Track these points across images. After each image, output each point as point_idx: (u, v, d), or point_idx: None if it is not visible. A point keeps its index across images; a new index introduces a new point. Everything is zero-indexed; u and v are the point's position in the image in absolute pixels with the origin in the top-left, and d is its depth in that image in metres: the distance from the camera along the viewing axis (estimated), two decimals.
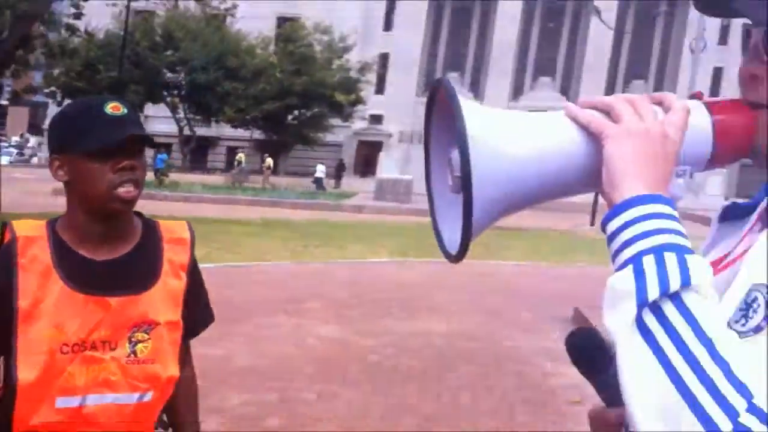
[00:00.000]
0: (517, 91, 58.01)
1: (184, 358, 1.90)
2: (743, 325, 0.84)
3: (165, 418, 1.90)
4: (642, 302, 0.78)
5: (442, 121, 0.95)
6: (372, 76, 47.67)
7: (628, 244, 0.82)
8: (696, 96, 0.97)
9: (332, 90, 43.47)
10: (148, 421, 1.79)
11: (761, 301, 0.83)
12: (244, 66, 42.57)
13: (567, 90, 57.59)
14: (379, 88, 55.33)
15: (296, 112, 46.04)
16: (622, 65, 55.16)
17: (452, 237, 0.93)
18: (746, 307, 0.85)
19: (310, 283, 9.90)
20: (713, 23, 46.32)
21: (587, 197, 20.21)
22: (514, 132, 0.89)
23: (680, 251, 0.80)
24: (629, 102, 0.90)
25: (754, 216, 0.98)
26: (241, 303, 8.14)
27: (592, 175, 0.89)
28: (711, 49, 41.06)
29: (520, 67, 58.26)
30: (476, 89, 58.36)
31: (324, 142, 48.91)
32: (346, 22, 49.68)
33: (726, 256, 0.95)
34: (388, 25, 56.28)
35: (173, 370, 1.77)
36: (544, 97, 57.42)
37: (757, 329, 0.83)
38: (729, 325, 0.85)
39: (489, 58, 57.48)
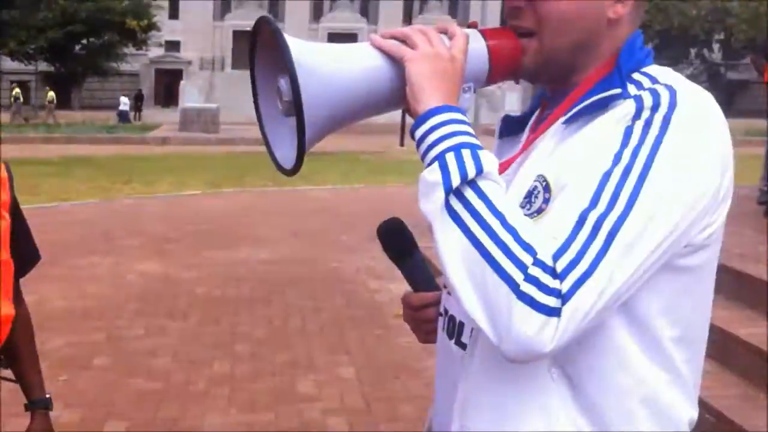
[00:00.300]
0: (317, 13, 57.58)
1: (18, 296, 1.88)
2: (528, 209, 1.06)
3: (2, 357, 1.88)
4: (448, 189, 0.97)
5: (264, 54, 1.08)
6: (164, 2, 45.43)
7: (433, 145, 1.01)
8: (472, 25, 1.16)
9: (122, 15, 41.05)
10: None
11: (540, 188, 1.06)
12: None
13: (366, 11, 57.89)
14: (173, 13, 52.97)
15: (85, 41, 43.14)
16: None
17: (286, 154, 1.07)
18: (529, 195, 1.07)
19: (122, 221, 9.56)
20: None
21: (395, 119, 20.63)
22: (332, 61, 1.05)
23: (473, 148, 1.00)
24: (421, 32, 1.09)
25: (527, 130, 1.20)
26: (51, 245, 7.69)
27: (398, 93, 1.07)
28: None
29: None
30: (275, 11, 57.29)
31: (119, 72, 46.41)
32: None
33: (511, 157, 1.16)
34: None
35: (8, 309, 1.76)
36: (345, 18, 57.47)
37: (539, 211, 1.04)
38: None
39: None
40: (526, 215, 1.03)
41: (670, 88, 1.03)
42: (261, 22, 1.08)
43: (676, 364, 1.08)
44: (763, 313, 4.29)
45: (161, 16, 45.32)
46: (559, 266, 0.94)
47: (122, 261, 7.35)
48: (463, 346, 1.15)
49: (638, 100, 1.02)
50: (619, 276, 0.95)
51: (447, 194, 0.97)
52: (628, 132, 1.00)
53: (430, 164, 1.00)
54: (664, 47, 47.04)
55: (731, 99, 49.64)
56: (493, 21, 52.55)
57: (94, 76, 45.19)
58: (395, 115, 21.95)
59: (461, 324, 1.16)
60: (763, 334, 4.02)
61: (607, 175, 0.97)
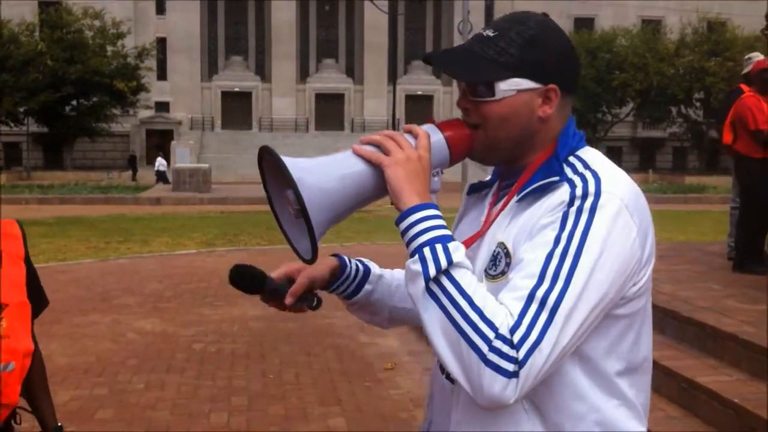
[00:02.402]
0: (303, 74, 58.45)
1: (33, 335, 2.19)
2: (494, 270, 1.37)
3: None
4: (426, 278, 1.25)
5: (270, 172, 1.40)
6: (152, 62, 46.06)
7: (413, 239, 1.29)
8: (429, 121, 1.44)
9: (110, 78, 41.62)
10: (12, 390, 2.07)
11: (502, 254, 1.37)
12: (10, 56, 39.70)
13: (352, 72, 58.84)
14: (162, 74, 53.71)
15: (74, 103, 43.59)
16: (401, 46, 57.04)
17: (303, 246, 1.38)
18: (494, 258, 1.38)
19: (119, 280, 9.81)
20: (478, 6, 49.33)
21: None
22: (326, 174, 1.32)
23: (444, 241, 1.27)
24: (391, 137, 1.36)
25: (491, 195, 1.52)
26: (52, 304, 7.95)
27: (381, 188, 1.35)
28: (476, 30, 43.76)
29: (304, 49, 58.64)
30: (262, 72, 58.18)
31: (110, 133, 46.88)
32: (116, 5, 47.76)
33: (479, 231, 1.47)
34: (161, 9, 54.62)
35: (28, 344, 2.09)
36: (331, 79, 58.36)
37: (503, 272, 1.35)
38: (486, 272, 1.37)
39: (270, 40, 57.31)
40: (492, 275, 1.35)
41: (595, 175, 1.33)
42: (263, 151, 1.37)
43: (623, 391, 1.37)
44: (726, 362, 4.60)
45: (149, 78, 45.90)
46: (515, 338, 1.21)
47: (121, 319, 7.60)
48: (452, 381, 1.42)
49: (572, 185, 1.32)
50: (562, 340, 1.23)
51: (426, 282, 1.25)
52: (564, 217, 1.29)
53: (412, 255, 1.28)
54: (646, 106, 47.90)
55: (715, 157, 50.46)
56: None
57: (85, 137, 45.57)
58: None
59: None
60: (726, 382, 4.32)
61: (549, 256, 1.26)
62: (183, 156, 36.21)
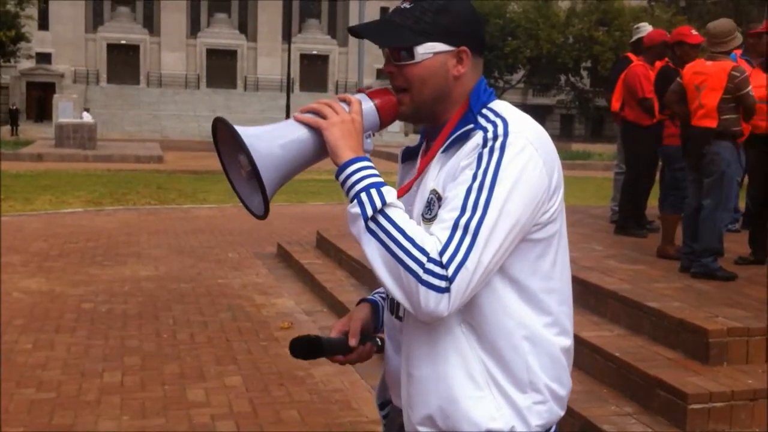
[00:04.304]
0: (194, 28, 56.82)
1: None
2: (429, 215, 1.56)
3: None
4: (365, 218, 1.46)
5: (224, 138, 1.55)
6: (33, 11, 43.65)
7: (350, 187, 1.49)
8: (361, 90, 1.64)
9: None
10: None
11: (435, 199, 1.56)
12: None
13: (245, 26, 57.57)
14: (43, 24, 51.10)
15: None
16: (295, 3, 55.91)
17: (254, 204, 1.57)
18: (428, 204, 1.57)
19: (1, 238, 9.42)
20: None
21: None
22: (272, 137, 1.52)
23: (378, 186, 1.48)
24: (327, 104, 1.56)
25: (420, 156, 1.72)
26: None
27: (323, 149, 1.55)
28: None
29: (194, 2, 56.87)
30: (150, 25, 56.26)
31: None
32: None
33: (414, 177, 1.66)
34: None
35: None
36: (223, 34, 56.97)
37: (436, 215, 1.52)
38: (423, 216, 1.57)
39: None
40: (428, 218, 1.54)
41: (504, 120, 1.54)
42: (217, 121, 1.54)
43: (551, 309, 1.58)
44: (608, 318, 4.87)
45: (30, 27, 43.52)
46: (444, 259, 1.42)
47: (4, 278, 7.31)
48: (400, 318, 1.64)
49: (485, 131, 1.52)
50: (484, 259, 1.44)
51: (365, 221, 1.45)
52: (480, 157, 1.49)
53: (351, 201, 1.48)
54: (536, 73, 49.04)
55: (600, 125, 52.31)
56: (370, 43, 52.77)
57: None
58: None
59: (398, 303, 1.59)
60: (606, 336, 4.58)
61: (468, 191, 1.46)
62: (66, 110, 34.67)
